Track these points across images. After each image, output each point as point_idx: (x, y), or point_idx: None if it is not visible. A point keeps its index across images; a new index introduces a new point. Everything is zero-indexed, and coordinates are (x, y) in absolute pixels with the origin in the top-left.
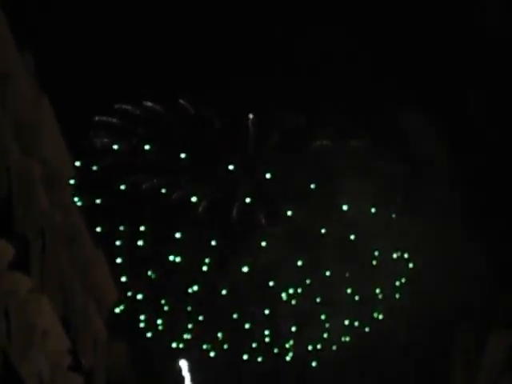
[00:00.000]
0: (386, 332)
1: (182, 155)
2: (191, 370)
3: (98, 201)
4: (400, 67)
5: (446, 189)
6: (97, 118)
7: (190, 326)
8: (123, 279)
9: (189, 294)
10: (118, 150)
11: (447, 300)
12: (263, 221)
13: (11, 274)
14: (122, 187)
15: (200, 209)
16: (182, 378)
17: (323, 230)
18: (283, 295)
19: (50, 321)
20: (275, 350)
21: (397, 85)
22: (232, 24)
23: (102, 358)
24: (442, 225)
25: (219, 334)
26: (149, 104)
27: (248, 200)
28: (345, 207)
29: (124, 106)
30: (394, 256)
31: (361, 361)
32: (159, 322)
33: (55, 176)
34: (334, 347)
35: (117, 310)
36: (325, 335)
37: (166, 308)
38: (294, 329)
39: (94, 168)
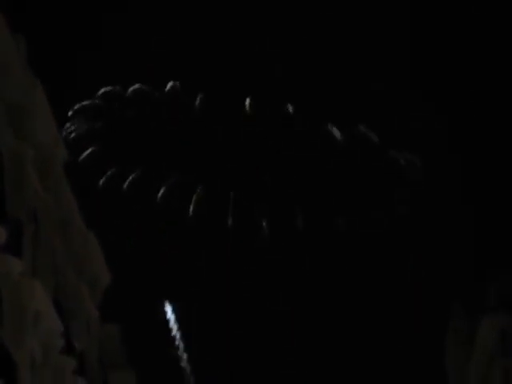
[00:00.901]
0: (381, 316)
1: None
2: (176, 312)
3: None
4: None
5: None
6: (78, 106)
7: None
8: None
9: None
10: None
11: (440, 283)
12: None
13: (4, 257)
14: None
15: None
16: (167, 321)
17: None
18: None
19: (43, 303)
20: None
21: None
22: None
23: (94, 339)
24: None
25: None
26: (136, 86)
27: None
28: None
29: (110, 88)
30: None
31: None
32: None
33: (48, 160)
34: None
35: None
36: None
37: None
38: None
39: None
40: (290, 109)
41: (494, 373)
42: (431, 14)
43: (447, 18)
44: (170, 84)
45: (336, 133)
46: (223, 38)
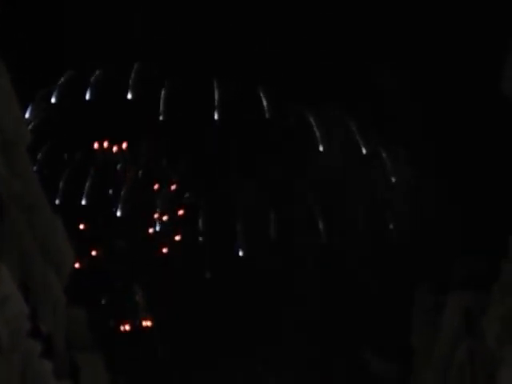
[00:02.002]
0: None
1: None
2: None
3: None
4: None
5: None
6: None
7: None
8: None
9: None
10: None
11: (407, 261)
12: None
13: None
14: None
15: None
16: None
17: None
18: None
19: (9, 287)
20: None
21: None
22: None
23: (61, 322)
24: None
25: None
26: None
27: None
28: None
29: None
30: None
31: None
32: None
33: (12, 143)
34: None
35: None
36: None
37: None
38: None
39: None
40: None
41: (460, 353)
42: None
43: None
44: (135, 67)
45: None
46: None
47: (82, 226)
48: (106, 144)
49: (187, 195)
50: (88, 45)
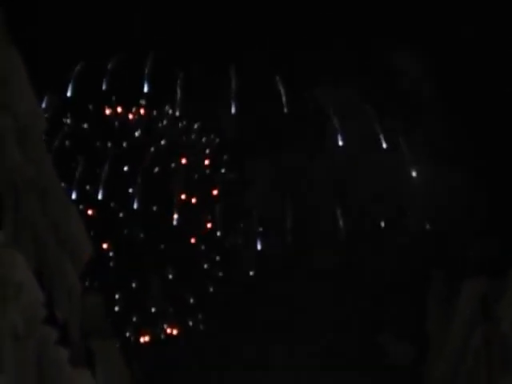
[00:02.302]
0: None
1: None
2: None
3: None
4: None
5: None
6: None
7: None
8: None
9: None
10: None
11: (422, 248)
12: None
13: None
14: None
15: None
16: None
17: None
18: None
19: (24, 274)
20: None
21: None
22: None
23: (77, 310)
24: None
25: None
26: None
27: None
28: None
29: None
30: None
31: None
32: None
33: (27, 130)
34: None
35: None
36: None
37: None
38: None
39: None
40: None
41: (475, 338)
42: None
43: None
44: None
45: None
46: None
47: (93, 213)
48: (119, 109)
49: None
50: (101, 34)
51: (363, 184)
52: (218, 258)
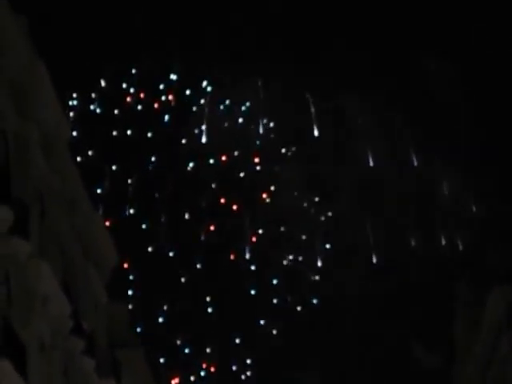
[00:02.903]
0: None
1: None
2: None
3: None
4: None
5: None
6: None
7: None
8: None
9: None
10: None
11: (450, 255)
12: None
13: (11, 239)
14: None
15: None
16: None
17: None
18: None
19: (51, 285)
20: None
21: None
22: None
23: (103, 320)
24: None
25: None
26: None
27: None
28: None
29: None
30: None
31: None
32: None
33: (52, 139)
34: None
35: None
36: None
37: None
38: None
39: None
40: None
41: (502, 345)
42: None
43: None
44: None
45: None
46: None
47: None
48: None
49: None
50: (127, 39)
51: (393, 192)
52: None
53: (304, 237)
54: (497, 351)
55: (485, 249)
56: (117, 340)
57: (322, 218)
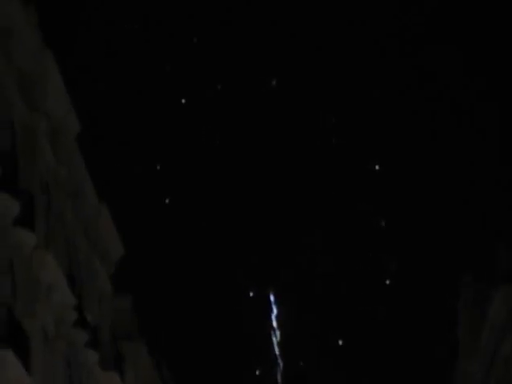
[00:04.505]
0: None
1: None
2: None
3: None
4: None
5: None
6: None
7: None
8: None
9: None
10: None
11: (453, 252)
12: None
13: (16, 229)
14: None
15: None
16: None
17: None
18: None
19: (55, 276)
20: None
21: None
22: None
23: (107, 312)
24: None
25: None
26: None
27: None
28: None
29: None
30: None
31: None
32: None
33: (60, 130)
34: None
35: None
36: None
37: None
38: None
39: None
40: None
41: (505, 345)
42: None
43: None
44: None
45: None
46: None
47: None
48: None
49: None
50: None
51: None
52: None
53: None
54: (501, 351)
55: (492, 247)
56: (121, 333)
57: None
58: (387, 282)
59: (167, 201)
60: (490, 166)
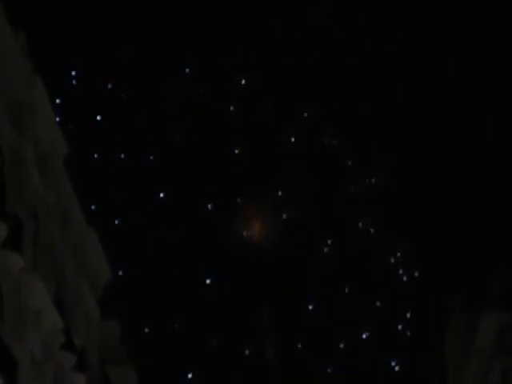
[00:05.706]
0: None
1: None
2: None
3: None
4: None
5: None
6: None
7: None
8: None
9: None
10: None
11: (440, 275)
12: None
13: (4, 253)
14: None
15: None
16: None
17: None
18: None
19: (43, 300)
20: None
21: None
22: None
23: (95, 336)
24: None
25: None
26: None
27: None
28: None
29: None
30: None
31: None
32: None
33: (48, 155)
34: None
35: None
36: None
37: None
38: None
39: None
40: None
41: (493, 372)
42: None
43: None
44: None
45: None
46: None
47: None
48: None
49: None
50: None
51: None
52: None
53: None
54: (488, 377)
55: (481, 273)
56: (108, 356)
57: None
58: (377, 303)
59: (157, 227)
60: (483, 185)
